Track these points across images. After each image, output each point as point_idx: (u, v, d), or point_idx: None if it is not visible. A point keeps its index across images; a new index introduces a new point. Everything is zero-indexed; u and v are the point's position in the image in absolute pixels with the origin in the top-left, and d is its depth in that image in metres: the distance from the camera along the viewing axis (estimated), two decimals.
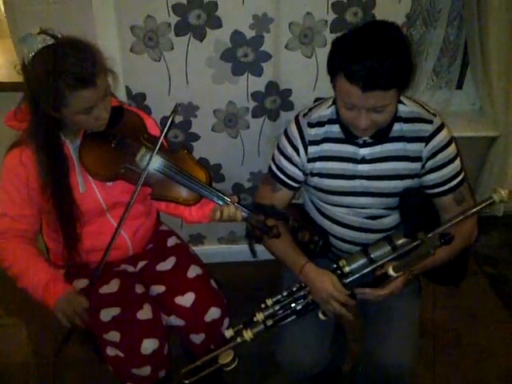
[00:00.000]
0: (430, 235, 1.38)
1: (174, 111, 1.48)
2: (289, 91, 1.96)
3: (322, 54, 1.85)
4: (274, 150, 1.64)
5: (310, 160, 1.52)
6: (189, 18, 1.73)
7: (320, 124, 1.50)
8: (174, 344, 1.74)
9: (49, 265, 1.51)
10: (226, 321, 1.69)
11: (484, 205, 1.35)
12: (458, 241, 1.46)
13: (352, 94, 1.27)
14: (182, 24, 1.74)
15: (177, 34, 1.76)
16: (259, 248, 1.49)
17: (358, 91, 1.25)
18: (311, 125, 1.51)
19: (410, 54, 1.30)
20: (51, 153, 1.39)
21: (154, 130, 1.58)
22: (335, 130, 1.49)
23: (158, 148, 1.41)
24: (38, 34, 1.28)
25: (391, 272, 1.37)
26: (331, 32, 1.81)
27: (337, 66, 1.29)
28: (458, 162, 1.48)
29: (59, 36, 1.31)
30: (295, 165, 1.55)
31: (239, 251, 2.47)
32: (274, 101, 1.97)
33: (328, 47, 1.78)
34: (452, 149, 1.46)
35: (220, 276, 1.85)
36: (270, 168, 1.62)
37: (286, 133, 1.56)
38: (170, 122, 1.45)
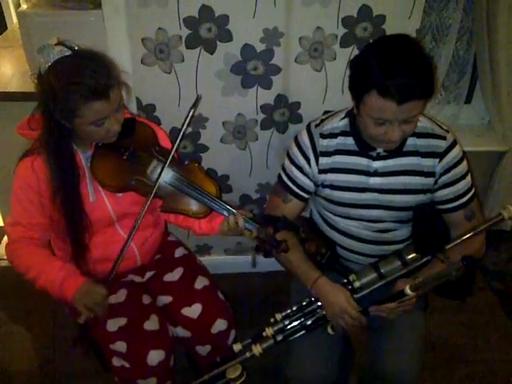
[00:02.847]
0: (441, 252, 1.38)
1: (195, 104, 1.44)
2: (297, 104, 1.96)
3: (332, 67, 1.86)
4: (282, 161, 1.64)
5: (321, 171, 1.52)
6: (200, 31, 1.75)
7: (332, 136, 1.51)
8: (179, 355, 1.74)
9: (63, 262, 1.51)
10: (233, 333, 1.69)
11: (493, 221, 1.36)
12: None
13: (386, 109, 1.27)
14: (193, 37, 1.76)
15: (188, 47, 1.78)
16: (266, 259, 1.48)
17: (392, 105, 1.26)
18: (323, 136, 1.51)
19: (430, 59, 1.32)
20: (62, 162, 1.40)
21: (165, 142, 1.58)
22: (348, 142, 1.49)
23: (169, 161, 1.41)
24: (56, 44, 1.30)
25: (408, 291, 1.37)
26: (341, 46, 1.82)
27: (367, 84, 1.28)
28: (469, 177, 1.50)
29: (76, 48, 1.32)
30: (306, 175, 1.55)
31: (246, 262, 2.43)
32: (282, 113, 1.98)
33: (337, 61, 1.84)
34: (464, 165, 1.48)
35: (227, 287, 1.85)
36: (280, 178, 1.62)
37: (297, 142, 1.56)
38: (190, 115, 1.42)
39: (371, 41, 1.81)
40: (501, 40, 2.03)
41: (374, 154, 1.47)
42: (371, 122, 1.34)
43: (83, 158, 1.46)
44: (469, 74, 2.27)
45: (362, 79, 1.32)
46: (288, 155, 1.59)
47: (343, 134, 1.50)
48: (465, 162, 1.48)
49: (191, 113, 1.42)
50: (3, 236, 1.52)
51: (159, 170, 1.43)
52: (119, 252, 1.48)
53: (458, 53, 2.19)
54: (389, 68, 1.25)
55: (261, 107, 1.96)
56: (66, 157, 1.41)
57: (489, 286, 2.47)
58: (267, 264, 1.57)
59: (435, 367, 2.07)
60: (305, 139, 1.53)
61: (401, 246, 1.58)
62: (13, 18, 2.69)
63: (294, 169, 1.56)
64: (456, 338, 2.22)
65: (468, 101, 2.42)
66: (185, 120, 1.42)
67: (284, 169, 1.60)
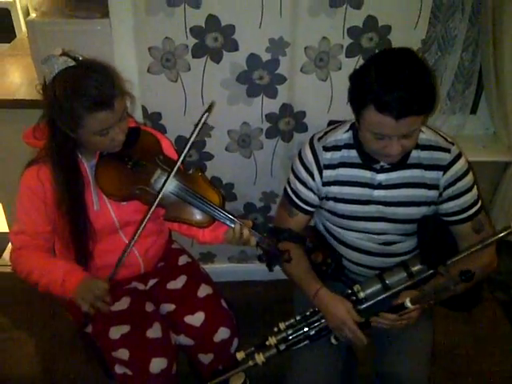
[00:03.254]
0: (448, 263, 1.37)
1: (208, 110, 1.42)
2: (303, 113, 1.97)
3: (337, 77, 1.87)
4: (286, 170, 1.64)
5: (325, 184, 1.53)
6: (206, 41, 1.76)
7: (336, 148, 1.51)
8: (182, 363, 1.74)
9: (64, 261, 1.52)
10: (235, 341, 1.69)
11: (502, 234, 1.36)
12: (477, 270, 1.45)
13: (385, 125, 1.27)
14: (200, 46, 1.77)
15: (194, 56, 1.79)
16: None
17: (391, 121, 1.25)
18: (327, 148, 1.51)
19: (431, 75, 1.31)
20: (67, 171, 1.42)
21: (169, 151, 1.59)
22: (352, 154, 1.49)
23: (172, 172, 1.41)
24: (60, 55, 1.31)
25: (408, 304, 1.37)
26: (346, 56, 1.83)
27: (365, 99, 1.28)
28: (475, 190, 1.49)
29: (80, 58, 1.34)
30: (310, 189, 1.55)
31: (250, 270, 2.47)
32: (287, 122, 1.99)
33: (343, 71, 1.84)
34: (470, 177, 1.47)
35: (230, 295, 1.86)
36: (285, 191, 1.62)
37: (300, 157, 1.56)
38: (202, 121, 1.41)
39: (376, 51, 1.82)
40: (506, 51, 2.03)
41: (377, 166, 1.47)
42: (371, 137, 1.34)
43: (87, 166, 1.48)
44: (474, 85, 2.26)
45: (360, 94, 1.31)
46: (292, 169, 1.59)
47: (347, 146, 1.50)
48: (470, 175, 1.47)
49: (204, 118, 1.40)
50: (8, 242, 1.53)
51: (163, 180, 1.43)
52: (121, 253, 1.46)
53: (464, 63, 2.18)
54: (387, 83, 1.24)
55: (266, 116, 1.97)
56: (71, 166, 1.42)
57: (493, 297, 2.46)
58: (271, 272, 1.57)
59: (439, 378, 2.06)
60: (307, 154, 1.53)
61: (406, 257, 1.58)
62: (22, 27, 2.72)
63: (297, 183, 1.56)
64: (460, 349, 2.21)
65: (473, 111, 2.41)
66: (196, 125, 1.40)
67: (289, 183, 1.61)
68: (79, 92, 1.27)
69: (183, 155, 1.43)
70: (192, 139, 1.41)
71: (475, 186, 1.49)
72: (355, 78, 1.36)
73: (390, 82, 1.24)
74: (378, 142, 1.34)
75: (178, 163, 1.43)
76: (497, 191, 2.51)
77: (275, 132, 2.02)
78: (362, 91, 1.31)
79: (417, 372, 1.49)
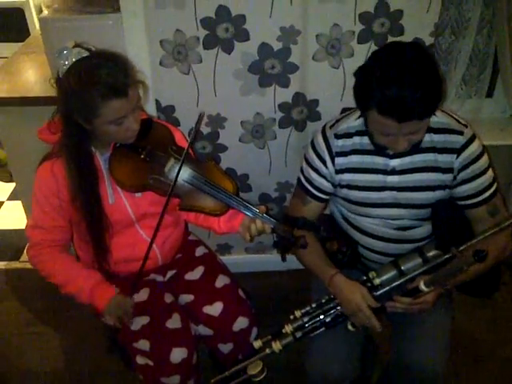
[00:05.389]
0: (462, 248, 1.36)
1: (199, 121, 1.47)
2: (316, 102, 1.96)
3: (350, 64, 1.85)
4: (301, 160, 1.64)
5: (338, 171, 1.52)
6: (217, 32, 1.76)
7: (348, 135, 1.50)
8: (203, 353, 1.75)
9: (88, 270, 1.56)
10: (254, 330, 1.70)
11: None
12: (492, 254, 1.43)
13: (388, 126, 1.28)
14: (211, 37, 1.77)
15: (205, 48, 1.79)
16: (289, 257, 1.48)
17: (394, 123, 1.26)
18: (338, 136, 1.51)
19: (438, 74, 1.28)
20: (81, 164, 1.43)
21: (182, 142, 1.59)
22: (364, 141, 1.48)
23: (184, 158, 1.42)
24: (73, 47, 1.33)
25: (422, 287, 1.36)
26: (358, 43, 1.81)
27: (368, 101, 1.28)
28: (490, 172, 1.47)
29: (93, 49, 1.35)
30: (323, 176, 1.54)
31: (267, 261, 2.47)
32: (301, 111, 1.98)
33: (355, 58, 1.83)
34: (484, 160, 1.45)
35: (248, 286, 1.86)
36: (299, 180, 1.62)
37: (312, 144, 1.56)
38: (194, 131, 1.47)
39: (389, 36, 1.80)
40: None
41: (390, 152, 1.45)
42: (376, 133, 1.36)
43: (101, 159, 1.49)
44: (490, 68, 2.23)
45: (363, 95, 1.31)
46: (305, 158, 1.59)
47: (359, 133, 1.49)
48: (485, 157, 1.45)
49: (195, 130, 1.47)
50: None
51: (177, 169, 1.43)
52: (144, 257, 1.48)
53: (478, 46, 2.15)
54: (388, 89, 1.23)
55: (279, 106, 1.96)
56: (85, 159, 1.43)
57: None
58: (288, 262, 1.57)
59: (460, 364, 2.05)
60: (320, 141, 1.53)
61: (422, 243, 1.56)
62: (36, 25, 2.75)
63: (310, 171, 1.56)
64: (481, 334, 2.19)
65: (489, 94, 2.37)
66: (192, 135, 1.47)
67: (302, 171, 1.61)
68: (94, 80, 1.28)
69: (190, 140, 1.45)
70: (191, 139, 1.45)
71: (490, 169, 1.46)
72: (358, 77, 1.34)
73: (392, 87, 1.22)
74: (384, 137, 1.35)
75: (187, 148, 1.43)
76: None
77: (288, 122, 2.01)
78: (364, 93, 1.30)
79: (433, 360, 1.47)
